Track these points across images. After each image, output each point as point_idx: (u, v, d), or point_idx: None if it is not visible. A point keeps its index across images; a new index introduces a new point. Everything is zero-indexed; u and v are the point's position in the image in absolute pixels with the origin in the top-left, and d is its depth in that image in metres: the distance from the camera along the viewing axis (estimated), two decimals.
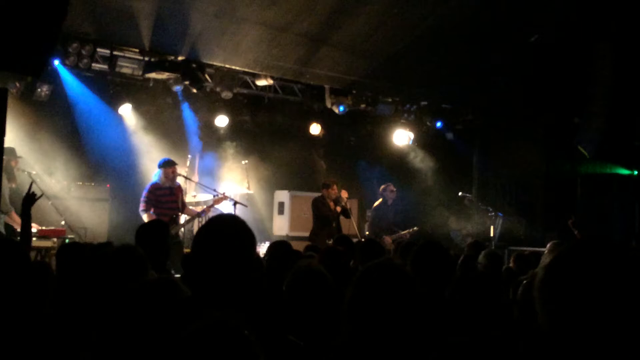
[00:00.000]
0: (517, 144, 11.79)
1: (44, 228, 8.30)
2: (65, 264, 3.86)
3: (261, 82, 10.67)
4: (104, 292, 2.76)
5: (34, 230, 7.93)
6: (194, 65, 9.83)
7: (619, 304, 1.32)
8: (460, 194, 12.01)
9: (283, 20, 8.84)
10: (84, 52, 8.89)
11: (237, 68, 10.20)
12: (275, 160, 11.76)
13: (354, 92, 11.42)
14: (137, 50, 9.46)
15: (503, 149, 12.25)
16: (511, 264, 6.38)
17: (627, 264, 1.36)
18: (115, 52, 9.30)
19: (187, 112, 10.97)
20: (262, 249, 8.34)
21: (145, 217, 8.52)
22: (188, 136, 11.03)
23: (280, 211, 11.79)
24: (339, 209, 9.97)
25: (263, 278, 4.10)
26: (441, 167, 12.74)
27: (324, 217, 9.90)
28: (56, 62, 8.85)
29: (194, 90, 10.33)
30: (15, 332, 2.61)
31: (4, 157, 6.51)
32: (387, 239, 9.81)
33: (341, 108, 11.27)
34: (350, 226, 10.10)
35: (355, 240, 6.89)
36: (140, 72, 9.59)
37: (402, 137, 12.42)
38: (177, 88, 9.97)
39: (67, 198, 9.39)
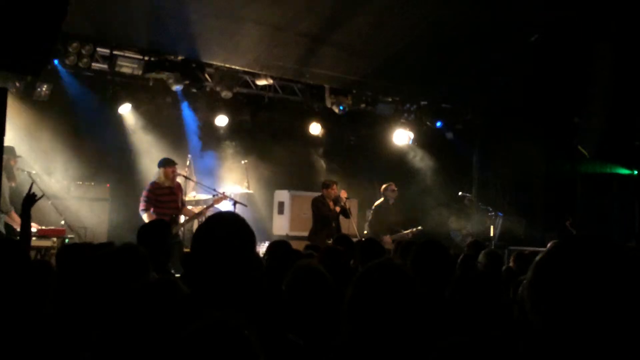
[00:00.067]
0: (517, 143, 11.78)
1: (43, 228, 8.30)
2: (66, 264, 3.86)
3: (261, 82, 10.67)
4: (105, 291, 2.76)
5: (33, 229, 7.94)
6: (193, 65, 9.83)
7: (609, 302, 1.31)
8: (460, 193, 12.02)
9: (283, 20, 8.84)
10: (83, 51, 8.90)
11: (237, 68, 10.20)
12: (275, 160, 11.75)
13: (354, 91, 11.42)
14: (136, 49, 9.46)
15: (503, 148, 12.24)
16: (511, 264, 6.38)
17: (616, 261, 1.36)
18: (115, 52, 9.30)
19: (187, 112, 10.97)
20: (262, 248, 8.34)
21: (145, 217, 8.53)
22: (188, 136, 11.03)
23: (280, 211, 11.79)
24: (338, 208, 9.97)
25: (263, 277, 4.09)
26: (441, 167, 12.73)
27: (323, 217, 9.89)
28: (56, 62, 8.84)
29: (194, 90, 10.34)
30: (15, 332, 2.60)
31: (4, 156, 6.51)
32: (386, 239, 9.80)
33: (341, 108, 11.27)
34: (349, 226, 10.10)
35: (355, 240, 6.89)
36: (140, 72, 9.59)
37: (402, 137, 12.42)
38: (177, 88, 9.96)
39: (66, 198, 9.40)
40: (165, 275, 3.71)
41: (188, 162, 10.25)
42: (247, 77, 10.67)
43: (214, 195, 9.63)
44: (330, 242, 7.72)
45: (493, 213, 11.37)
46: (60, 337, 2.64)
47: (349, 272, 4.53)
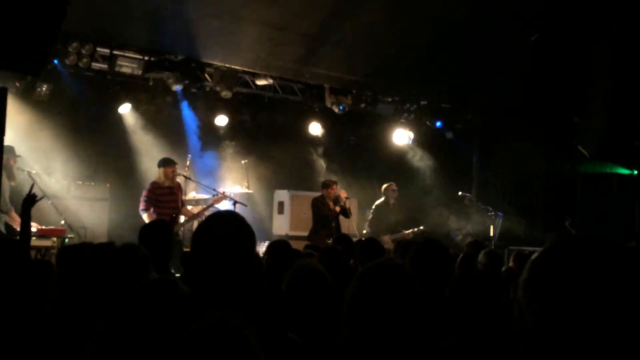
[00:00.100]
0: (517, 143, 11.78)
1: (43, 227, 8.30)
2: (67, 264, 3.86)
3: (261, 82, 10.68)
4: (105, 291, 2.76)
5: (33, 229, 7.94)
6: (193, 65, 9.83)
7: (604, 301, 1.31)
8: (460, 193, 12.02)
9: (283, 20, 8.85)
10: (83, 51, 8.91)
11: (237, 67, 10.20)
12: (275, 159, 11.75)
13: (354, 91, 11.42)
14: (136, 49, 9.46)
15: (503, 148, 12.24)
16: (511, 264, 6.38)
17: (612, 260, 1.36)
18: (114, 52, 9.31)
19: (187, 112, 10.97)
20: (262, 248, 8.34)
21: (145, 217, 8.53)
22: (188, 136, 11.03)
23: (280, 211, 11.79)
24: (338, 208, 9.97)
25: (263, 277, 4.09)
26: (441, 167, 12.74)
27: (323, 217, 9.90)
28: (56, 62, 8.84)
29: (194, 90, 10.34)
30: (15, 331, 2.60)
31: (4, 155, 6.51)
32: (385, 239, 9.80)
33: (341, 108, 11.28)
34: (349, 226, 10.10)
35: (355, 239, 6.89)
36: (140, 72, 9.59)
37: (402, 137, 12.42)
38: (177, 87, 9.97)
39: (66, 197, 9.39)
40: (166, 275, 3.71)
41: (188, 162, 10.25)
42: (247, 77, 10.67)
43: (213, 195, 9.63)
44: (330, 242, 7.73)
45: (493, 213, 11.37)
46: (60, 337, 2.64)
47: (349, 271, 4.54)
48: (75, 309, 2.90)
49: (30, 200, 5.43)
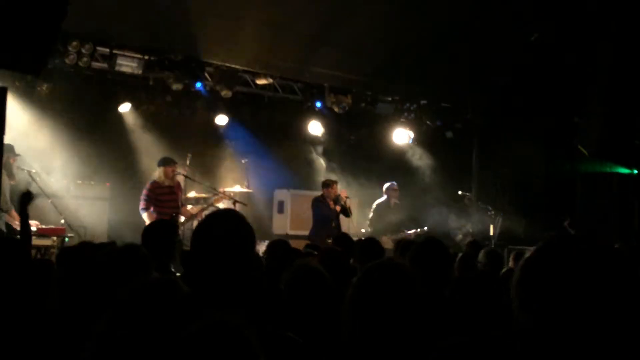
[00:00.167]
0: (516, 143, 11.78)
1: (43, 227, 8.29)
2: (67, 265, 3.86)
3: (261, 81, 10.67)
4: (106, 291, 2.76)
5: (33, 228, 7.93)
6: (193, 64, 9.83)
7: (595, 301, 1.31)
8: (459, 192, 12.02)
9: (283, 19, 8.84)
10: (83, 50, 8.90)
11: (237, 67, 10.20)
12: (275, 159, 11.75)
13: (354, 91, 11.42)
14: (136, 49, 9.46)
15: (503, 148, 12.24)
16: (510, 264, 6.38)
17: (601, 260, 1.36)
18: (114, 51, 9.31)
19: (187, 111, 10.97)
20: (262, 247, 8.34)
21: (145, 216, 8.54)
22: (188, 135, 11.02)
23: (280, 210, 11.80)
24: (338, 208, 9.98)
25: (263, 276, 4.09)
26: (441, 166, 12.73)
27: (323, 216, 9.90)
28: (56, 61, 8.83)
29: (194, 89, 10.34)
30: (16, 330, 2.61)
31: (3, 154, 6.51)
32: (384, 239, 9.79)
33: (341, 107, 11.29)
34: (350, 225, 10.10)
35: (355, 239, 6.89)
36: (140, 71, 9.59)
37: (402, 136, 12.43)
38: (177, 86, 9.97)
39: (66, 197, 9.38)
40: (167, 275, 3.71)
41: (188, 161, 10.25)
42: (247, 76, 10.67)
43: (213, 195, 9.63)
44: (330, 241, 7.73)
45: (492, 212, 11.37)
46: (61, 336, 2.64)
47: (349, 271, 4.53)
48: (76, 309, 2.90)
49: (26, 197, 5.41)
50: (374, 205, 10.82)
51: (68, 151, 9.66)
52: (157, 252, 3.86)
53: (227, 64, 10.06)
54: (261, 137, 11.77)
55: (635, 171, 11.93)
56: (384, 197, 10.78)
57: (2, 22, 5.60)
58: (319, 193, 10.25)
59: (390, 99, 12.04)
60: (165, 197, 8.74)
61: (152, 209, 8.61)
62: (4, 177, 7.60)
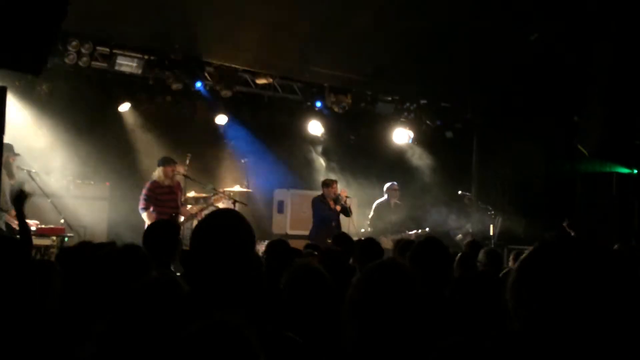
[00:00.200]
0: (516, 143, 11.78)
1: (43, 226, 8.29)
2: (68, 265, 3.86)
3: (261, 81, 10.68)
4: (106, 291, 2.76)
5: (33, 228, 7.93)
6: (193, 64, 9.83)
7: (590, 303, 1.31)
8: (459, 192, 12.01)
9: (283, 19, 8.84)
10: (83, 50, 8.91)
11: (237, 66, 10.20)
12: (274, 158, 11.76)
13: (354, 90, 11.42)
14: (136, 48, 9.46)
15: (503, 147, 12.24)
16: (511, 263, 6.38)
17: (597, 262, 1.35)
18: (114, 51, 9.31)
19: (187, 110, 10.97)
20: (262, 247, 8.34)
21: (144, 216, 8.54)
22: (187, 135, 11.02)
23: (280, 210, 11.80)
24: (339, 207, 9.97)
25: (263, 277, 4.09)
26: (441, 166, 12.74)
27: (324, 216, 9.90)
28: (56, 61, 8.83)
29: (194, 89, 10.34)
30: (17, 329, 2.60)
31: (3, 153, 6.51)
32: (383, 239, 9.78)
33: (341, 107, 11.29)
34: (350, 224, 10.10)
35: (355, 239, 6.89)
36: (140, 71, 9.59)
37: (401, 136, 12.43)
38: (177, 86, 9.97)
39: (66, 196, 9.38)
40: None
41: (187, 161, 10.25)
42: (247, 76, 10.67)
43: (213, 194, 9.63)
44: (330, 241, 7.73)
45: (493, 212, 11.37)
46: (62, 336, 2.64)
47: (348, 271, 4.54)
48: (76, 309, 2.90)
49: (20, 197, 5.38)
50: (374, 205, 10.82)
51: (68, 151, 9.66)
52: (158, 252, 3.86)
53: (227, 64, 10.06)
54: (261, 136, 11.77)
55: (635, 171, 11.93)
56: (384, 197, 10.79)
57: (2, 22, 5.60)
58: (318, 193, 10.25)
59: (390, 98, 12.04)
60: (165, 197, 8.74)
61: (151, 208, 8.61)
62: (4, 177, 7.60)
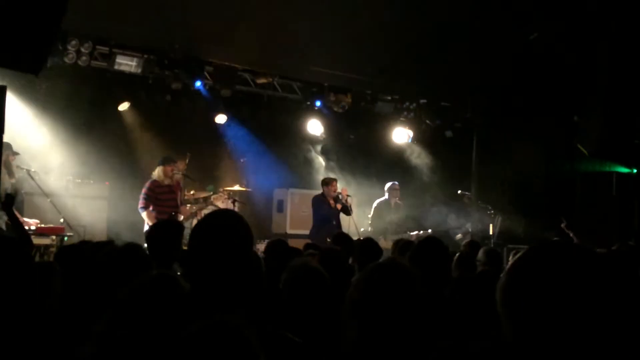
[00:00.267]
0: (516, 142, 11.79)
1: (42, 226, 8.29)
2: (66, 264, 3.86)
3: (261, 80, 10.67)
4: (106, 290, 2.76)
5: (32, 227, 7.93)
6: (193, 63, 9.82)
7: (581, 310, 1.31)
8: (459, 192, 12.02)
9: (283, 18, 8.84)
10: (83, 49, 8.91)
11: (237, 66, 10.19)
12: (274, 158, 11.75)
13: (354, 90, 11.42)
14: (136, 47, 9.45)
15: (503, 147, 12.24)
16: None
17: (588, 269, 1.35)
18: (114, 50, 9.30)
19: (186, 110, 10.96)
20: (262, 246, 8.33)
21: (144, 215, 8.54)
22: (187, 134, 11.02)
23: (280, 209, 11.79)
24: (339, 206, 9.97)
25: (263, 277, 4.09)
26: (440, 165, 12.74)
27: (324, 215, 9.89)
28: (55, 60, 8.83)
29: (193, 88, 10.33)
30: (18, 329, 2.60)
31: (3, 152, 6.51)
32: (382, 240, 9.75)
33: (341, 106, 11.29)
34: (350, 224, 10.09)
35: (355, 238, 6.88)
36: (140, 70, 9.58)
37: (401, 135, 12.43)
38: (176, 85, 9.96)
39: (65, 196, 9.37)
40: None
41: (187, 160, 10.24)
42: (247, 75, 10.66)
43: (213, 194, 9.62)
44: (330, 240, 7.72)
45: (492, 212, 11.37)
46: (62, 336, 2.64)
47: (348, 271, 4.53)
48: (76, 309, 2.90)
49: (7, 202, 5.35)
50: (374, 205, 10.82)
51: (67, 150, 9.66)
52: (161, 252, 3.85)
53: (227, 63, 10.06)
54: (261, 136, 11.77)
55: (635, 171, 11.94)
56: (384, 197, 10.78)
57: (1, 22, 5.59)
58: (318, 192, 10.24)
59: (389, 98, 12.04)
60: (164, 196, 8.74)
61: (151, 207, 8.61)
62: (4, 176, 7.59)
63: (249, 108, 11.53)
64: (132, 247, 3.14)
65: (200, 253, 2.33)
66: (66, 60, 8.81)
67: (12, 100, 8.46)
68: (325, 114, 11.79)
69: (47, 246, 8.12)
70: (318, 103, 11.55)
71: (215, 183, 10.56)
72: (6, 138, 6.73)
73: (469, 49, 9.85)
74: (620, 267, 1.36)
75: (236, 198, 9.73)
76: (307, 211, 10.41)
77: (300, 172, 12.30)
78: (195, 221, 9.51)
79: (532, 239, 10.93)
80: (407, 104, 12.20)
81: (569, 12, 9.18)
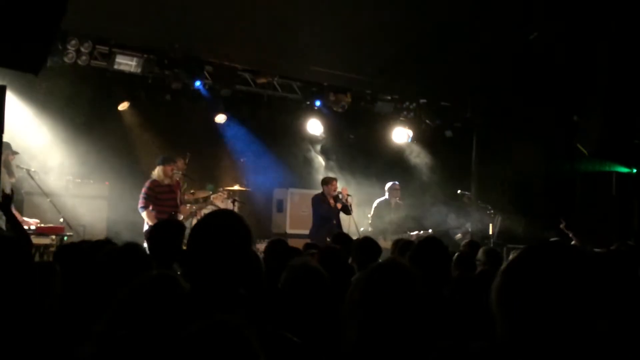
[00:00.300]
0: (516, 142, 11.79)
1: (42, 225, 8.28)
2: (66, 263, 3.85)
3: (260, 80, 10.67)
4: (106, 290, 2.76)
5: (32, 227, 7.93)
6: (192, 63, 9.82)
7: (575, 310, 1.31)
8: (459, 191, 12.01)
9: (283, 18, 8.84)
10: (82, 49, 8.90)
11: (237, 65, 10.19)
12: (274, 157, 11.76)
13: (354, 90, 11.43)
14: (135, 47, 9.45)
15: (503, 147, 12.25)
16: None
17: (581, 269, 1.35)
18: (114, 50, 9.30)
19: (186, 109, 10.96)
20: (262, 246, 8.33)
21: (144, 215, 8.54)
22: (187, 133, 11.01)
23: (279, 209, 11.79)
24: (339, 205, 9.96)
25: (263, 276, 4.09)
26: (440, 165, 12.74)
27: (324, 215, 9.88)
28: (55, 59, 8.83)
29: (193, 88, 10.33)
30: (18, 329, 2.60)
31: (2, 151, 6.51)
32: (381, 240, 9.72)
33: (340, 106, 11.29)
34: (350, 223, 10.09)
35: (355, 238, 6.88)
36: (139, 70, 9.58)
37: (401, 135, 12.43)
38: (176, 85, 9.96)
39: (65, 195, 9.36)
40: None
41: (187, 160, 10.24)
42: (247, 75, 10.66)
43: (212, 193, 9.62)
44: (329, 240, 7.72)
45: (492, 211, 11.37)
46: (62, 335, 2.64)
47: (348, 270, 4.53)
48: (75, 308, 2.90)
49: (5, 201, 5.34)
50: (374, 204, 10.82)
51: (67, 149, 9.66)
52: (162, 252, 3.85)
53: (227, 63, 10.06)
54: (260, 135, 11.77)
55: (635, 170, 11.94)
56: (385, 197, 10.78)
57: (1, 21, 5.59)
58: (317, 191, 10.23)
59: (389, 97, 12.05)
60: (164, 196, 8.73)
61: (151, 207, 8.60)
62: (4, 176, 7.59)
63: (248, 108, 11.53)
64: (132, 247, 3.14)
65: (200, 253, 2.33)
66: (66, 60, 8.81)
67: (12, 100, 8.46)
68: (325, 114, 11.79)
69: (46, 246, 8.11)
70: (318, 103, 11.54)
71: (215, 183, 10.56)
72: (6, 137, 6.73)
73: (469, 49, 9.85)
74: (614, 267, 1.36)
75: (236, 198, 9.73)
76: (307, 211, 10.40)
77: (300, 171, 12.30)
78: (194, 221, 9.52)
79: (531, 238, 10.93)
80: (407, 103, 12.20)
81: (568, 12, 9.18)
